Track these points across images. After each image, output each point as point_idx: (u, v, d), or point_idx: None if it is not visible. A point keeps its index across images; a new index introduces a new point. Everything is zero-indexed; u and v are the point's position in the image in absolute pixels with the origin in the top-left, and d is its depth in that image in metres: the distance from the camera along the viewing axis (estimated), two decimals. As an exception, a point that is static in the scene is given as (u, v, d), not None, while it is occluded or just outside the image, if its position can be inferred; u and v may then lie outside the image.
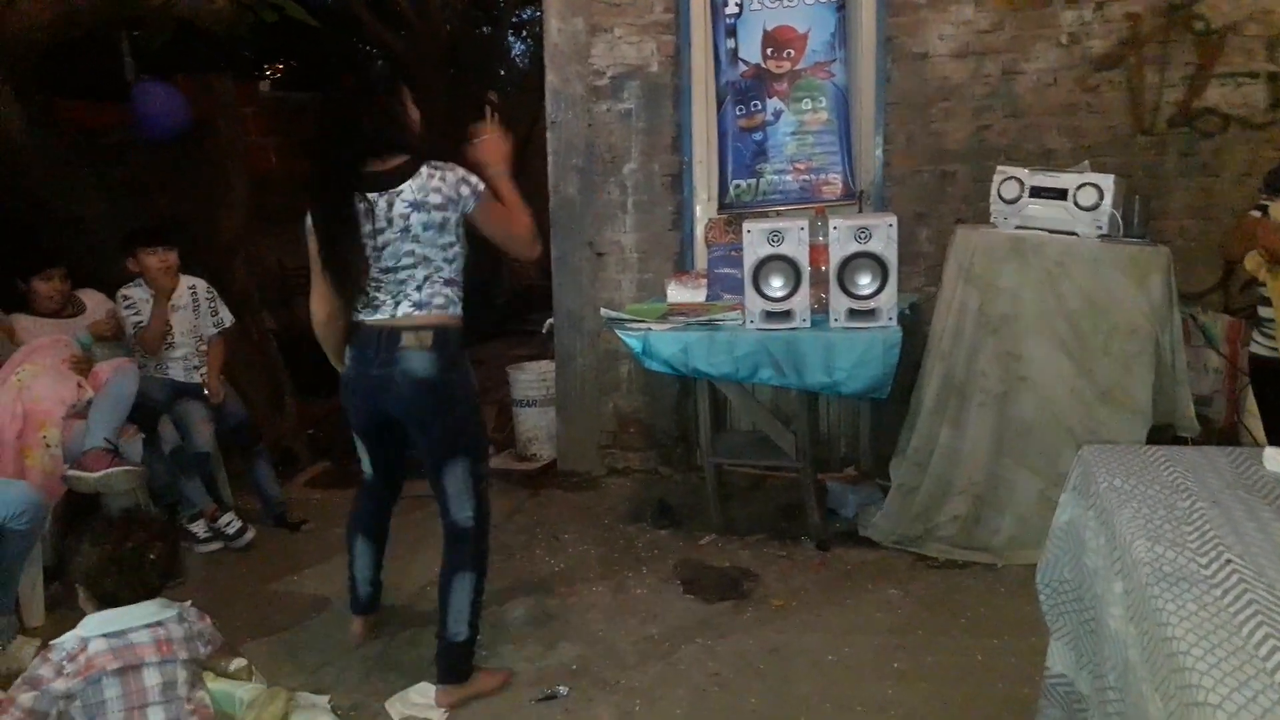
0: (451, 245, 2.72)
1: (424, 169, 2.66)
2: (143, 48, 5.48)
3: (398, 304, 2.69)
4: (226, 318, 4.52)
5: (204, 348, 4.41)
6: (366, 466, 3.12)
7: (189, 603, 2.20)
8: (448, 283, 2.73)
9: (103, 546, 2.09)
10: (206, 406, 4.27)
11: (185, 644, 2.10)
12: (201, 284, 4.46)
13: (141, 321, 4.21)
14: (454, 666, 2.82)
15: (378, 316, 2.71)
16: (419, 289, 2.69)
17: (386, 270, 2.67)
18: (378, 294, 2.70)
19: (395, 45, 9.85)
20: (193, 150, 5.43)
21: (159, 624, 2.07)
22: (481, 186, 2.71)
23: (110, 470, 3.51)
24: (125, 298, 4.24)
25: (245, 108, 7.54)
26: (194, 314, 4.39)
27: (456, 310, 2.77)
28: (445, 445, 2.76)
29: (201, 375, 4.36)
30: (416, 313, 2.68)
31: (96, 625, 2.02)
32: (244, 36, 5.31)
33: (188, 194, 5.47)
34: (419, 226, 2.63)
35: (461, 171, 2.70)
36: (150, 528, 2.17)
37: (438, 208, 2.64)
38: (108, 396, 3.69)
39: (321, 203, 2.73)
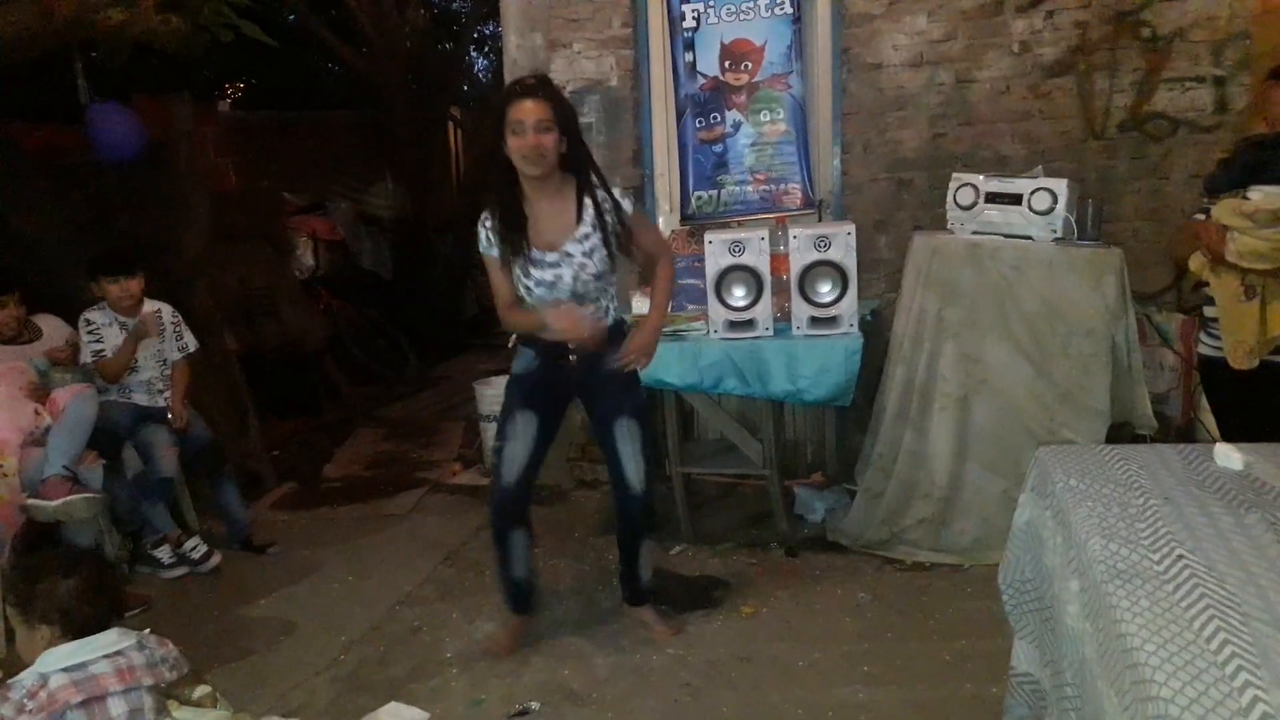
0: None
1: None
2: (99, 69, 5.43)
3: None
4: (191, 342, 4.47)
5: (168, 372, 4.35)
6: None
7: (148, 630, 2.17)
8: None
9: (78, 576, 2.07)
10: (170, 431, 4.22)
11: (149, 670, 2.08)
12: (167, 308, 4.41)
13: (102, 350, 4.14)
14: (650, 596, 3.42)
15: None
16: None
17: None
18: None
19: (356, 63, 9.82)
20: (152, 171, 5.38)
21: (119, 653, 2.04)
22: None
23: (70, 498, 3.46)
24: (88, 322, 4.16)
25: (205, 128, 7.49)
26: (159, 338, 4.33)
27: None
28: (635, 409, 3.16)
29: (166, 399, 4.30)
30: None
31: (55, 660, 1.99)
32: (202, 57, 5.26)
33: (148, 215, 5.41)
34: None
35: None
36: (71, 565, 2.14)
37: None
38: (66, 423, 3.64)
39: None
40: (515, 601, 3.28)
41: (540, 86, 2.83)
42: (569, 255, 2.90)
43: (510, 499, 3.11)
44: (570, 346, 2.97)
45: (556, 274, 2.90)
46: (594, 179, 2.92)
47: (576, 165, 2.91)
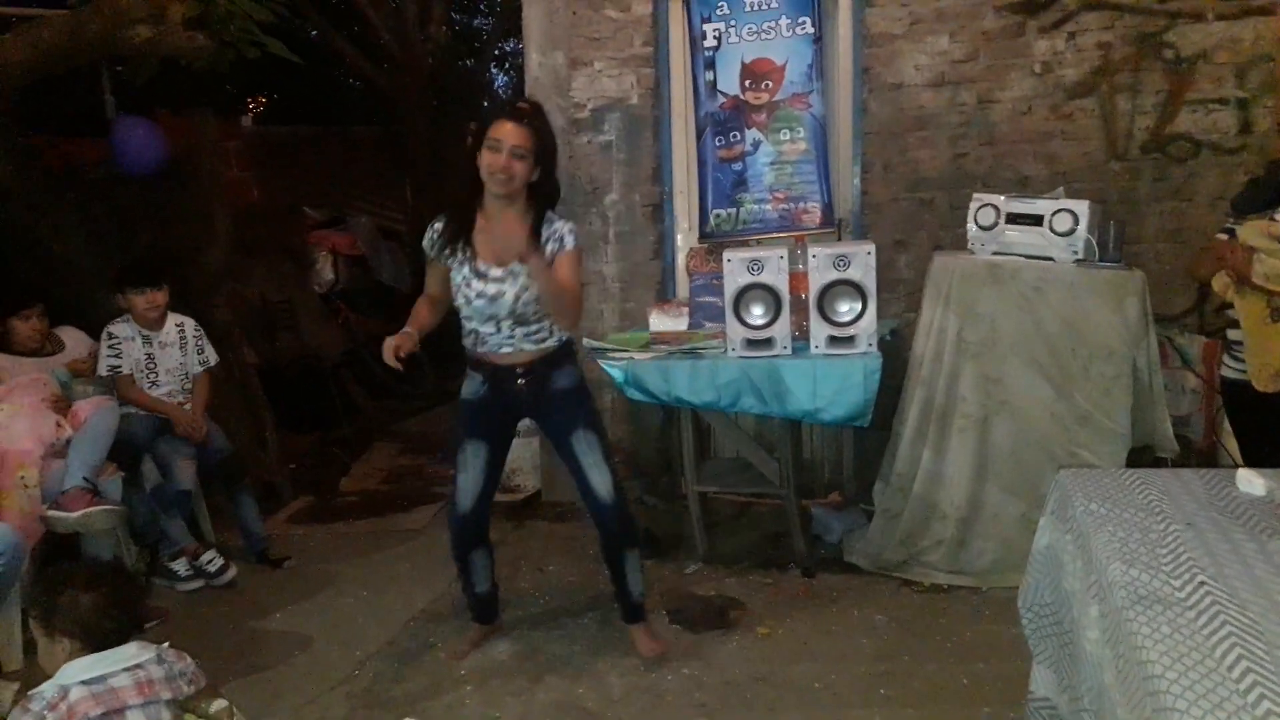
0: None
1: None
2: (125, 84, 5.50)
3: None
4: (212, 356, 4.51)
5: (189, 385, 4.39)
6: None
7: (166, 644, 2.18)
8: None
9: (101, 589, 2.09)
10: (189, 444, 4.24)
11: (167, 684, 2.08)
12: (190, 322, 4.45)
13: (119, 366, 4.17)
14: (641, 613, 3.35)
15: None
16: None
17: None
18: None
19: (377, 78, 9.92)
20: (175, 185, 5.44)
21: (138, 666, 2.05)
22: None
23: (89, 510, 3.48)
24: (110, 335, 4.20)
25: (227, 142, 7.57)
26: (181, 352, 4.37)
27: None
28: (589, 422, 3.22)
29: (186, 413, 4.33)
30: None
31: (75, 672, 2.00)
32: (226, 72, 5.32)
33: (170, 229, 5.47)
34: None
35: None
36: (114, 567, 2.18)
37: None
38: (87, 435, 3.66)
39: None
40: (480, 612, 3.44)
41: (530, 115, 2.93)
42: (514, 274, 2.95)
43: (468, 526, 3.23)
44: (518, 370, 3.07)
45: (499, 289, 2.97)
46: (553, 213, 3.06)
47: (542, 196, 3.02)
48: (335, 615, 3.81)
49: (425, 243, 3.08)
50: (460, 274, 3.00)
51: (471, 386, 3.14)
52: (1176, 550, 1.58)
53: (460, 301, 3.02)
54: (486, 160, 2.87)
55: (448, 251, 3.02)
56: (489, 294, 2.97)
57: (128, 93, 5.64)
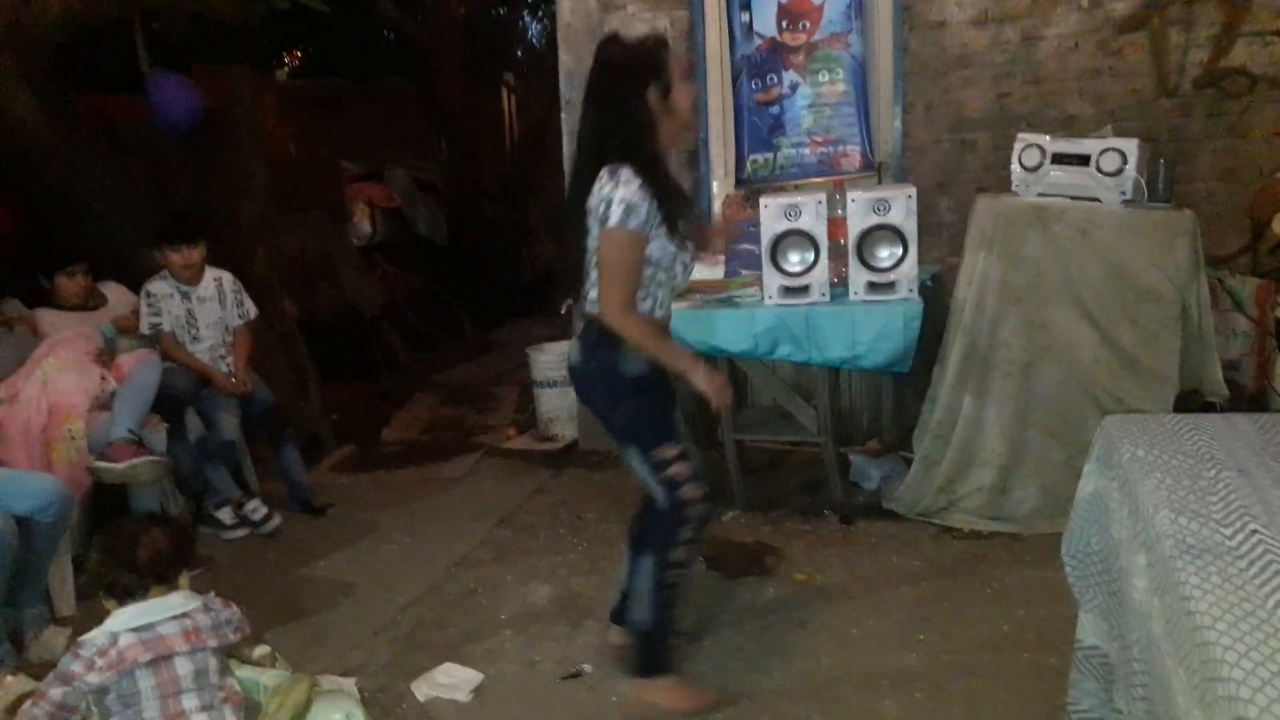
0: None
1: (605, 167, 2.44)
2: (159, 39, 5.50)
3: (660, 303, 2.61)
4: (251, 309, 4.54)
5: (230, 339, 4.43)
6: None
7: (212, 593, 2.22)
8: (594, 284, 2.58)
9: (101, 546, 2.16)
10: (231, 396, 4.30)
11: (214, 632, 2.12)
12: (228, 276, 4.48)
13: (159, 323, 4.22)
14: (635, 657, 2.66)
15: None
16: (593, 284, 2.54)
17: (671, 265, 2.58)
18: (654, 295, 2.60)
19: (410, 29, 9.84)
20: (211, 140, 5.45)
21: (185, 615, 2.09)
22: (617, 222, 2.39)
23: (135, 461, 3.54)
24: (148, 294, 4.24)
25: (262, 97, 7.56)
26: (220, 306, 4.40)
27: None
28: (610, 430, 2.66)
29: (228, 365, 4.38)
30: (586, 309, 2.61)
31: (125, 620, 2.05)
32: (259, 26, 5.30)
33: (207, 184, 5.50)
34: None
35: (623, 193, 2.39)
36: (149, 522, 2.22)
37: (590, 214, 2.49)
38: (131, 388, 3.72)
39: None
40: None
41: None
42: (686, 243, 2.60)
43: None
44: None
45: (689, 256, 2.62)
46: None
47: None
48: (377, 562, 3.87)
49: (640, 220, 2.40)
50: (669, 245, 2.51)
51: (640, 364, 2.57)
52: (1227, 498, 1.54)
53: (663, 276, 2.55)
54: (684, 95, 2.52)
55: (670, 230, 2.50)
56: (688, 263, 2.64)
57: (162, 49, 5.64)
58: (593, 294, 2.54)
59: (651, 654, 2.65)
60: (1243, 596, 1.23)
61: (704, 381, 2.53)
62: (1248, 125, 4.14)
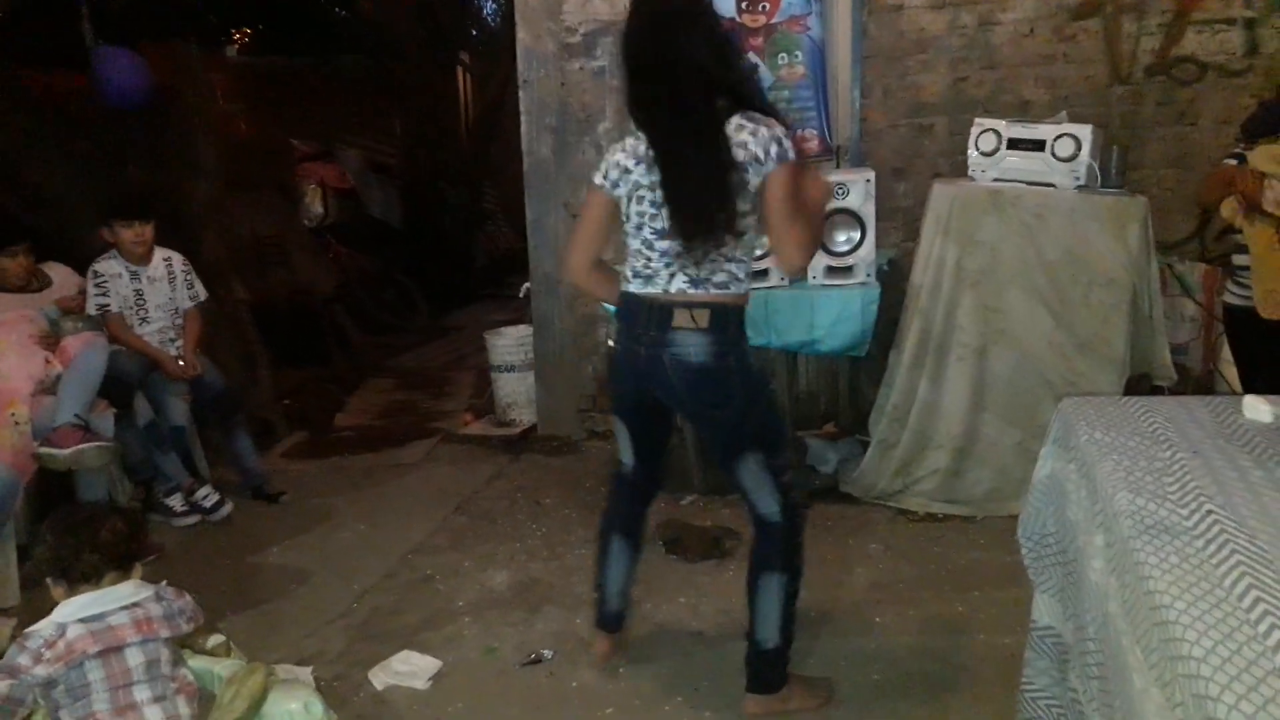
0: (744, 216, 2.26)
1: (735, 119, 2.23)
2: (103, 14, 5.35)
3: (672, 276, 2.31)
4: (201, 291, 4.45)
5: (179, 321, 4.33)
6: (626, 454, 2.67)
7: (164, 582, 2.17)
8: (730, 259, 2.30)
9: (57, 529, 2.09)
10: (181, 380, 4.21)
11: (166, 622, 2.08)
12: (178, 257, 4.38)
13: (107, 304, 4.11)
14: (761, 676, 2.51)
15: (649, 290, 2.35)
16: (697, 263, 2.28)
17: (661, 234, 2.31)
18: (651, 262, 2.34)
19: (365, 7, 9.67)
20: (160, 118, 5.32)
21: (136, 604, 2.04)
22: (793, 154, 2.23)
23: (82, 447, 3.45)
24: (96, 274, 4.12)
25: (212, 74, 7.39)
26: (170, 287, 4.30)
27: (740, 289, 2.35)
28: (729, 438, 2.41)
29: (177, 349, 4.28)
30: (691, 290, 2.30)
31: (73, 611, 1.99)
32: (208, 1, 5.18)
33: (156, 163, 5.37)
34: None
35: (779, 130, 2.23)
36: (106, 508, 2.17)
37: (737, 167, 2.22)
38: (77, 372, 3.62)
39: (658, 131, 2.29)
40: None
41: None
42: None
43: None
44: None
45: None
46: None
47: None
48: (332, 549, 3.82)
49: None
50: None
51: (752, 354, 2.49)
52: (1183, 479, 1.56)
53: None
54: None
55: None
56: None
57: (107, 23, 5.48)
58: (728, 267, 2.29)
59: (779, 669, 2.52)
60: (1201, 575, 1.24)
61: (823, 189, 2.41)
62: (1197, 113, 4.21)
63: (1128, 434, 1.78)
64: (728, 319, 2.33)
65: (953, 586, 3.20)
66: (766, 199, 2.24)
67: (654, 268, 2.33)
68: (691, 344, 2.30)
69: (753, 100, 2.28)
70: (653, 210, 2.30)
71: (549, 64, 4.77)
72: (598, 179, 2.39)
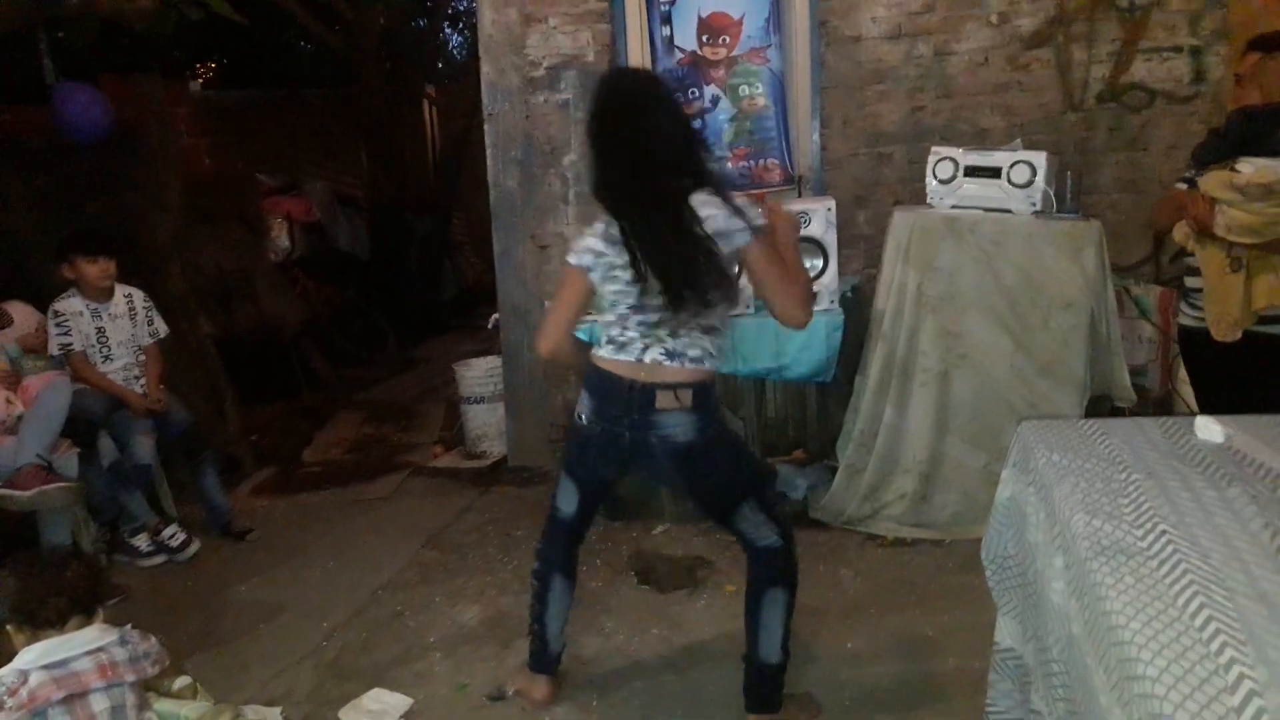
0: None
1: (699, 195, 2.31)
2: (65, 49, 5.33)
3: (647, 347, 2.36)
4: (162, 328, 4.42)
5: (143, 358, 4.30)
6: (568, 507, 2.69)
7: (129, 625, 2.15)
8: (706, 330, 2.37)
9: (19, 573, 2.08)
10: (146, 417, 4.17)
11: (131, 666, 2.06)
12: (139, 293, 4.35)
13: (70, 344, 4.07)
14: (763, 696, 2.55)
15: (623, 357, 2.39)
16: (673, 335, 2.34)
17: (637, 308, 2.36)
18: (627, 331, 2.39)
19: (329, 40, 9.69)
20: (122, 153, 5.29)
21: (101, 649, 2.02)
22: (761, 221, 2.31)
23: (44, 488, 3.42)
24: (56, 314, 4.08)
25: (176, 108, 7.37)
26: (131, 323, 4.28)
27: (714, 364, 2.42)
28: (724, 498, 2.50)
29: (142, 386, 4.25)
30: (668, 363, 2.34)
31: (36, 657, 1.97)
32: (172, 35, 5.16)
33: (119, 198, 5.33)
34: None
35: (744, 202, 2.33)
36: (69, 552, 2.15)
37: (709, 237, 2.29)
38: (39, 411, 3.59)
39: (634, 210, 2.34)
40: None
41: None
42: None
43: None
44: None
45: None
46: None
47: None
48: (301, 587, 3.78)
49: None
50: None
51: None
52: (1138, 500, 1.59)
53: None
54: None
55: None
56: None
57: (68, 57, 5.46)
58: (702, 341, 2.36)
59: (780, 687, 2.56)
60: (1155, 595, 1.27)
61: (789, 225, 2.48)
62: (1147, 139, 4.32)
63: (1084, 456, 1.82)
64: (707, 394, 2.40)
65: (922, 610, 3.22)
66: (753, 270, 2.33)
67: (629, 336, 2.38)
68: (678, 424, 2.36)
69: (715, 183, 2.35)
70: (626, 288, 2.35)
71: (513, 97, 4.81)
72: (573, 259, 2.44)
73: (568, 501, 2.68)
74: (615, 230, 2.34)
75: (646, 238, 2.30)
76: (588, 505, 2.70)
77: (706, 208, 2.27)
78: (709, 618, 3.27)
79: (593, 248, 2.39)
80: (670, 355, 2.35)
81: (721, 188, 2.33)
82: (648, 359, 2.35)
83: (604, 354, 2.43)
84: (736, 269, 2.38)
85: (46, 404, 3.62)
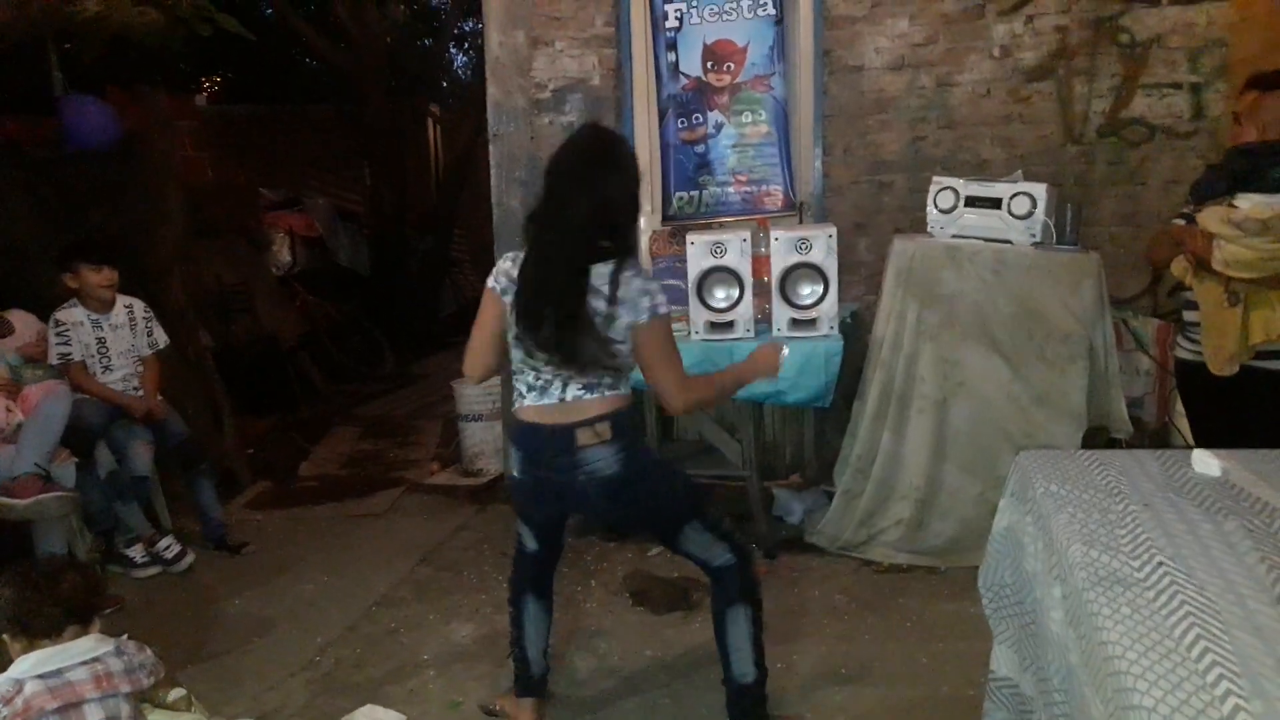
0: (607, 344, 2.32)
1: (614, 261, 2.33)
2: (74, 61, 5.36)
3: (566, 384, 2.36)
4: (161, 338, 4.43)
5: (142, 368, 4.31)
6: (529, 544, 2.72)
7: (125, 635, 2.14)
8: (610, 366, 2.38)
9: (15, 582, 2.07)
10: (144, 429, 4.17)
11: (126, 677, 2.05)
12: (139, 304, 4.37)
13: (69, 353, 4.08)
14: (749, 713, 2.55)
15: (545, 402, 2.38)
16: (581, 372, 2.36)
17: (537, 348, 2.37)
18: (541, 374, 2.38)
19: (334, 57, 9.76)
20: (127, 165, 5.32)
21: (96, 659, 2.02)
22: (664, 310, 2.35)
23: (41, 497, 3.41)
24: (57, 323, 4.09)
25: (181, 121, 7.42)
26: (131, 334, 4.29)
27: (627, 388, 2.44)
28: (663, 523, 2.52)
29: (140, 397, 4.25)
30: (588, 396, 2.35)
31: (31, 666, 1.97)
32: (179, 50, 5.20)
33: (122, 209, 5.35)
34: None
35: (655, 285, 2.36)
36: (66, 561, 2.14)
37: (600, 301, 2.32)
38: (38, 420, 3.59)
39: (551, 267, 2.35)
40: None
41: None
42: None
43: None
44: None
45: None
46: None
47: None
48: (295, 601, 3.78)
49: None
50: None
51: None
52: (1135, 531, 1.60)
53: None
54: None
55: None
56: None
57: (76, 70, 5.50)
58: (616, 382, 2.39)
59: (761, 705, 2.56)
60: (1151, 626, 1.28)
61: (763, 368, 2.59)
62: (1146, 173, 4.36)
63: (1082, 487, 1.83)
64: (625, 422, 2.40)
65: (917, 638, 3.22)
66: (638, 348, 2.35)
67: (545, 378, 2.38)
68: (601, 459, 2.36)
69: (632, 252, 2.39)
70: (514, 323, 2.37)
71: (518, 118, 4.85)
72: (490, 281, 2.45)
73: (528, 539, 2.71)
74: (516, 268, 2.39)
75: (537, 273, 2.33)
76: (548, 539, 2.71)
77: (627, 272, 2.30)
78: (703, 639, 3.26)
79: (507, 272, 2.42)
80: (589, 388, 2.36)
81: (638, 265, 2.38)
82: (569, 396, 2.36)
83: (527, 403, 2.42)
84: (624, 341, 2.34)
85: (46, 413, 3.62)
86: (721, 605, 2.53)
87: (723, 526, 2.54)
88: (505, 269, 2.43)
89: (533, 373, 2.40)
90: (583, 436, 2.35)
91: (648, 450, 2.53)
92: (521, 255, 2.41)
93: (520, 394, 2.45)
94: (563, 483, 2.41)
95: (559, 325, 2.29)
